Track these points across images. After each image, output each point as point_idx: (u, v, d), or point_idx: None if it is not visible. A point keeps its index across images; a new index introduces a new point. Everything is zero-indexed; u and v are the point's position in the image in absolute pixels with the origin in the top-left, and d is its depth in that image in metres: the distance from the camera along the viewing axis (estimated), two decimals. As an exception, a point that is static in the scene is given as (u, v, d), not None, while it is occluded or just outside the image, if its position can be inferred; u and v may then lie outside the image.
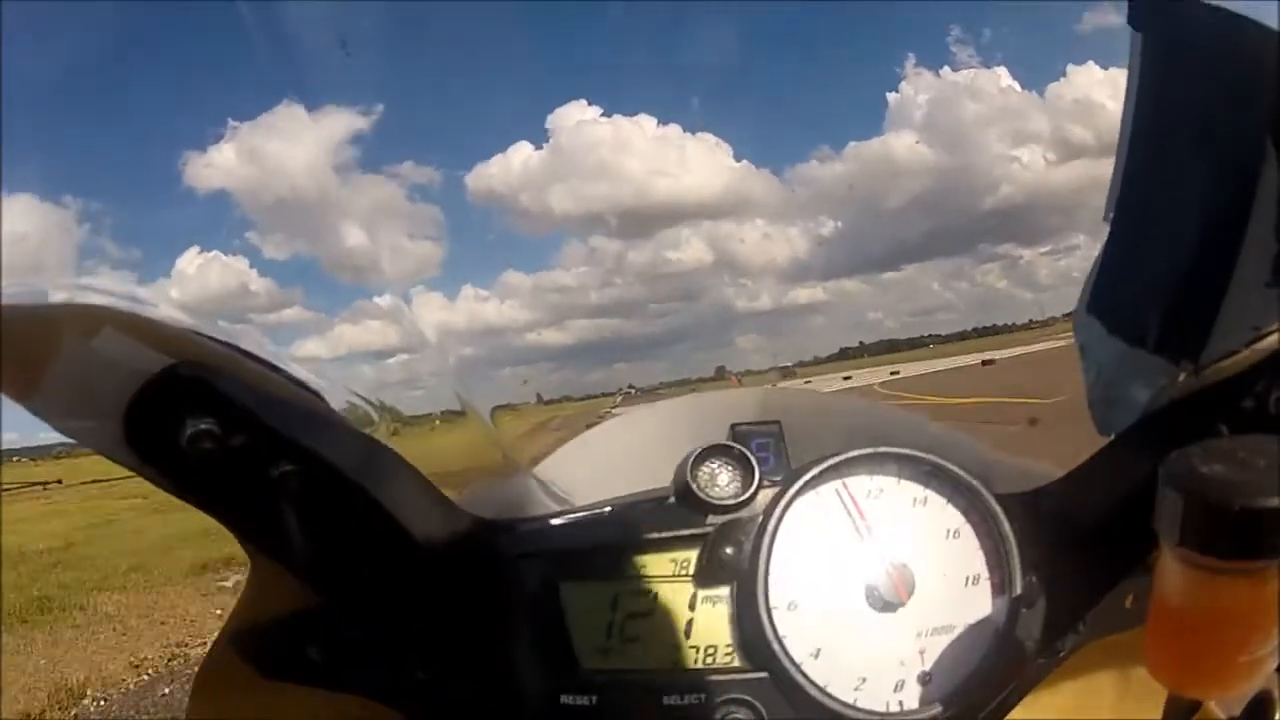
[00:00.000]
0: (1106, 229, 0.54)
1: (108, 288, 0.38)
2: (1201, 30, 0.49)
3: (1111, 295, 0.53)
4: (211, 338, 0.41)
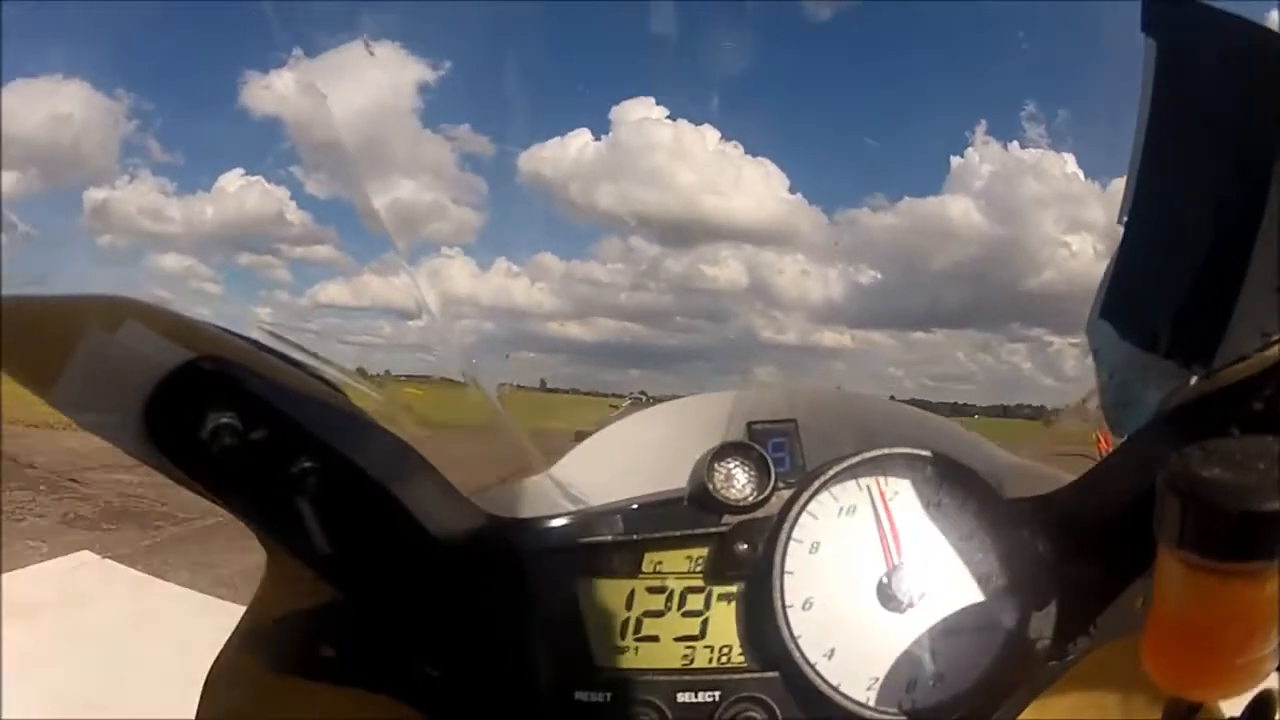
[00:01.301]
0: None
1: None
2: (1214, 36, 0.50)
3: (1124, 299, 0.54)
4: (233, 333, 0.42)
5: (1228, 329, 0.47)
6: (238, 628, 0.49)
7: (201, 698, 0.49)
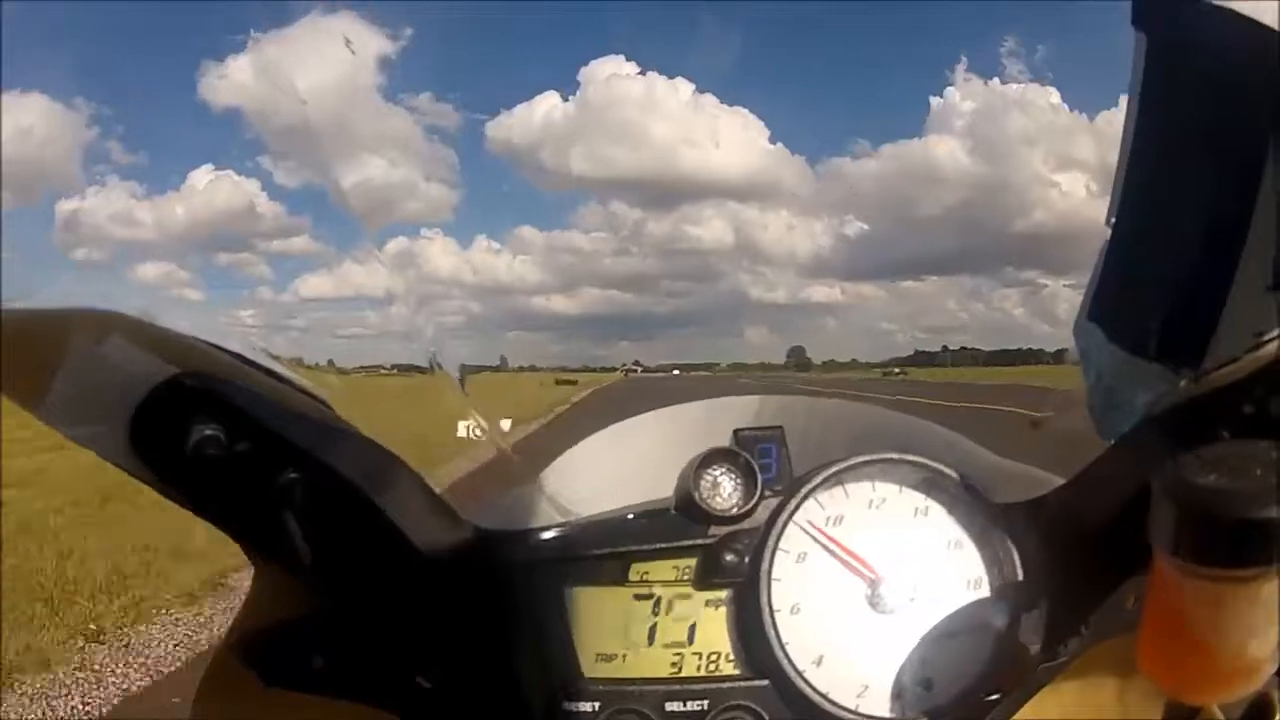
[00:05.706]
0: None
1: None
2: (1205, 32, 0.49)
3: (1112, 301, 0.53)
4: (218, 347, 0.42)
5: (1218, 331, 0.47)
6: (227, 637, 0.49)
7: (193, 707, 0.49)
